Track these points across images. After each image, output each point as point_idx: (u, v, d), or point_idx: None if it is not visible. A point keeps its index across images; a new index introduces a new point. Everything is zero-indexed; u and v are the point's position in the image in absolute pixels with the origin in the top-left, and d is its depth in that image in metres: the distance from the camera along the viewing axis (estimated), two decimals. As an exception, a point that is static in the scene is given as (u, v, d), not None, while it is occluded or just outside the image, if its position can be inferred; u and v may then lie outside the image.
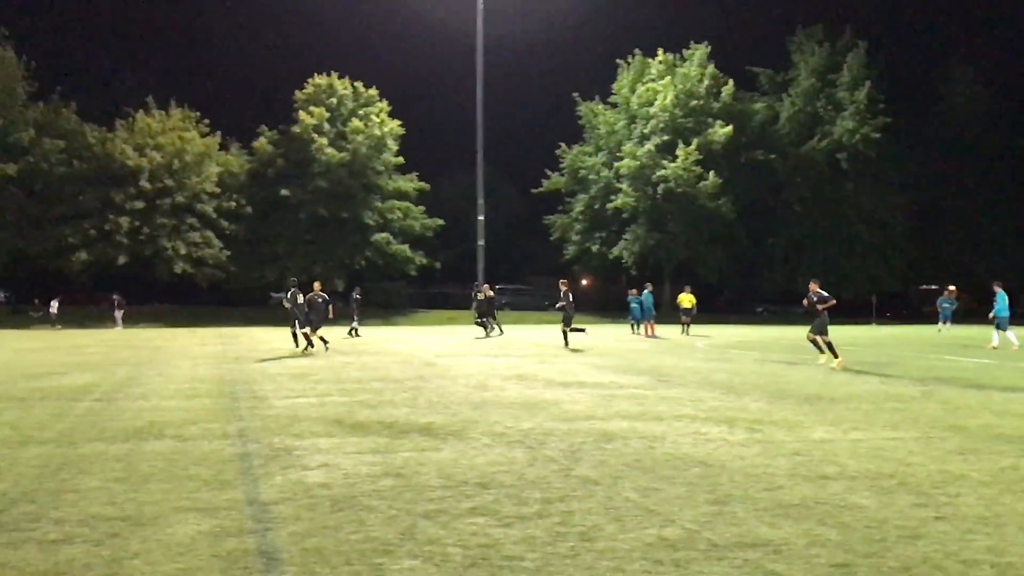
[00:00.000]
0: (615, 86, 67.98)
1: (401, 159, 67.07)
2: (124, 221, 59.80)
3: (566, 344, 29.63)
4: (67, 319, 56.37)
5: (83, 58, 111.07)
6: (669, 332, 39.13)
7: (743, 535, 6.31)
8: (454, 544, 6.09)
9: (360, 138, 63.69)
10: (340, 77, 66.90)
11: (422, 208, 67.83)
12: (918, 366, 22.11)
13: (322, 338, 27.17)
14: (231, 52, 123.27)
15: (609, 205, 64.49)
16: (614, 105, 68.13)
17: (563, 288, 31.58)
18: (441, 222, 67.92)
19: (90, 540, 6.26)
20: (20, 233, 61.54)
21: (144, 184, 60.62)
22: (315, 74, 67.06)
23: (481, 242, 67.64)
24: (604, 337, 37.47)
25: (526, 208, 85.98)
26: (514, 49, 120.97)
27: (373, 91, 67.02)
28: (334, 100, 65.59)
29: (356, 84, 66.97)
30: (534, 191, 71.22)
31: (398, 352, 27.28)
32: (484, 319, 37.47)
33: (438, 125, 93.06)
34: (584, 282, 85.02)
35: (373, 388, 16.20)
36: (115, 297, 55.77)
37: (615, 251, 65.11)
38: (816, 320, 21.29)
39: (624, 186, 63.06)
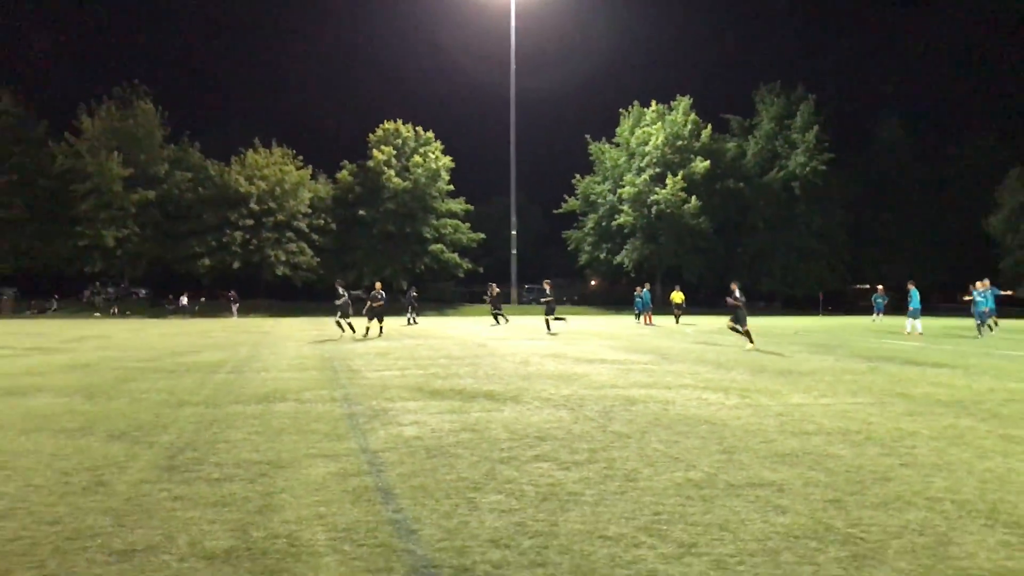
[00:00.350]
0: (618, 130, 67.95)
1: (452, 186, 67.20)
2: (238, 235, 60.19)
3: (548, 330, 29.20)
4: (194, 311, 56.75)
5: (205, 108, 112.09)
6: (663, 322, 39.08)
7: (751, 477, 6.28)
8: (527, 483, 6.09)
9: (420, 170, 63.85)
10: (404, 123, 67.05)
11: (468, 224, 67.94)
12: (862, 347, 21.92)
13: (350, 324, 27.00)
14: (319, 103, 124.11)
15: (613, 223, 64.55)
16: (617, 144, 68.09)
17: (547, 287, 31.47)
18: (483, 236, 67.97)
19: (245, 479, 6.30)
20: (158, 244, 62.01)
21: (253, 206, 60.96)
22: (385, 120, 67.40)
23: (514, 251, 67.70)
24: (613, 325, 37.37)
25: (547, 224, 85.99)
26: (539, 100, 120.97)
27: (430, 134, 67.14)
28: (399, 141, 65.76)
29: (417, 128, 67.08)
30: (555, 211, 71.31)
31: (454, 336, 27.22)
32: (498, 311, 37.34)
33: (480, 159, 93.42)
34: (592, 283, 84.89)
35: (441, 364, 16.17)
36: (231, 293, 56.11)
37: (618, 258, 65.20)
38: (735, 313, 21.36)
39: (625, 208, 63.03)
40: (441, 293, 72.07)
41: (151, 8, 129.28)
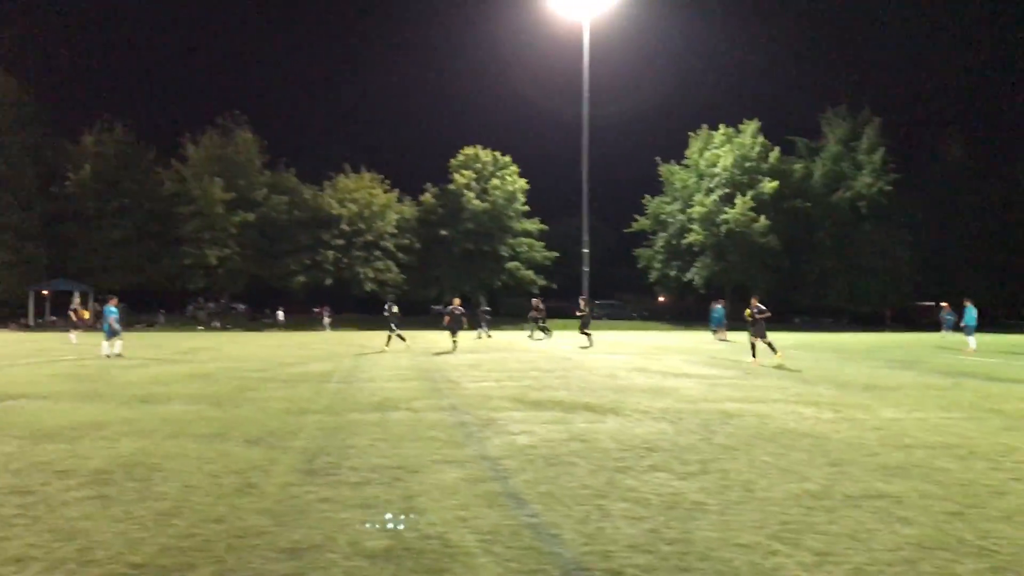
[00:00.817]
0: (687, 152, 67.25)
1: (527, 207, 67.25)
2: (330, 254, 61.08)
3: (590, 342, 28.85)
4: (290, 324, 57.80)
5: (300, 136, 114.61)
6: (735, 337, 38.39)
7: (866, 489, 6.18)
8: (650, 492, 6.08)
9: (498, 193, 64.09)
10: (483, 148, 67.44)
11: (543, 243, 67.84)
12: (939, 363, 21.27)
13: (400, 336, 27.34)
14: (404, 130, 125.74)
15: (683, 241, 63.81)
16: (687, 166, 67.36)
17: (581, 302, 31.26)
18: (556, 254, 67.83)
19: (382, 483, 6.42)
20: (256, 262, 63.26)
21: (344, 227, 61.83)
22: (465, 146, 67.86)
23: (586, 268, 67.19)
24: (688, 340, 36.93)
25: (617, 242, 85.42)
26: (610, 122, 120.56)
27: (507, 158, 67.29)
28: (479, 165, 66.10)
29: (495, 153, 67.41)
30: (625, 230, 70.67)
31: (538, 350, 27.12)
32: (543, 326, 37.20)
33: (553, 180, 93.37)
34: (661, 298, 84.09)
35: (532, 376, 16.14)
36: (325, 308, 57.01)
37: (688, 275, 64.43)
38: (755, 326, 20.90)
39: (695, 227, 62.30)
40: (516, 308, 72.09)
41: (249, 44, 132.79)
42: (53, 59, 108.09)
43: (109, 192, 61.53)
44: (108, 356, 21.78)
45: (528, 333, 39.87)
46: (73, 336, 33.02)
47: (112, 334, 22.36)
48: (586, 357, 22.65)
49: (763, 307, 21.26)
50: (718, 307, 37.28)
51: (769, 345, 20.51)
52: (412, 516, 5.39)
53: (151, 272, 62.78)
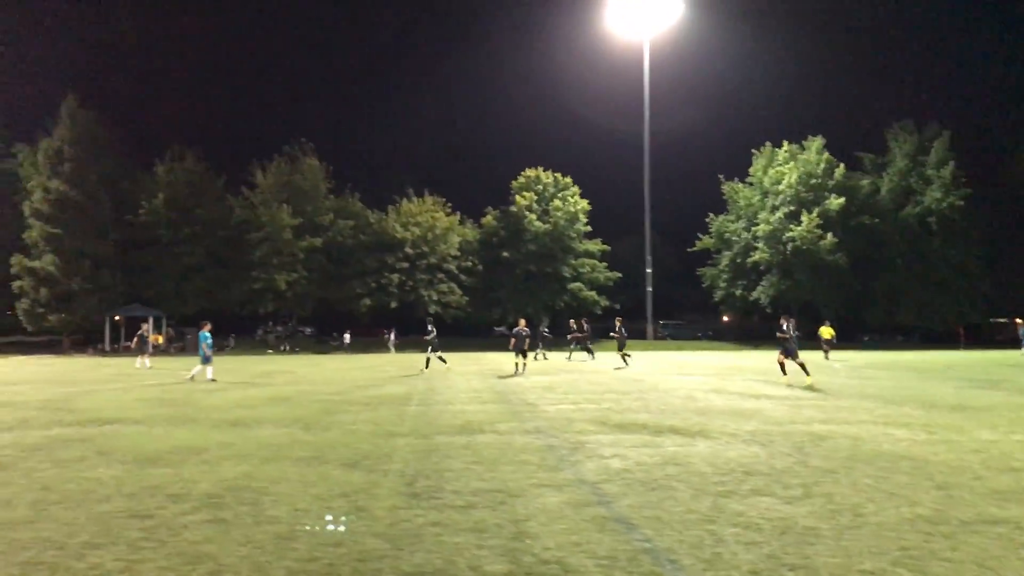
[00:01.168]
0: (751, 169, 66.64)
1: (589, 228, 67.26)
2: (395, 277, 61.83)
3: (625, 364, 29.12)
4: (356, 347, 58.47)
5: (364, 161, 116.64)
6: (808, 356, 37.52)
7: (981, 514, 6.05)
8: (758, 517, 6.04)
9: (559, 214, 64.25)
10: (544, 169, 67.72)
11: (605, 264, 67.72)
12: (1025, 383, 20.63)
13: (441, 357, 27.72)
14: (465, 153, 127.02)
15: (748, 260, 63.16)
16: (750, 183, 66.76)
17: (617, 323, 31.01)
18: (619, 274, 67.63)
19: (487, 506, 6.47)
20: (323, 286, 64.33)
21: (408, 250, 62.60)
22: (526, 168, 68.22)
23: (649, 288, 67.11)
24: (758, 360, 36.33)
25: (680, 262, 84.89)
26: (671, 142, 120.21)
27: (568, 179, 67.48)
28: (540, 187, 66.39)
29: (556, 174, 67.63)
30: (689, 249, 70.22)
31: (606, 372, 26.93)
32: (586, 348, 37.43)
33: (615, 200, 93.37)
34: (725, 318, 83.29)
35: (610, 398, 16.07)
36: (391, 330, 57.60)
37: (754, 294, 63.66)
38: (784, 346, 20.64)
39: (760, 245, 61.63)
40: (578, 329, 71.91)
41: (314, 72, 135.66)
42: (126, 91, 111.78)
43: (181, 220, 63.17)
44: (212, 380, 22.15)
45: (567, 355, 40.05)
46: (138, 361, 33.87)
47: (206, 360, 22.68)
48: (660, 378, 22.46)
49: (786, 326, 20.94)
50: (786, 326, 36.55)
51: (801, 365, 20.10)
52: (526, 541, 5.44)
53: (222, 297, 64.18)
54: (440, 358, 27.97)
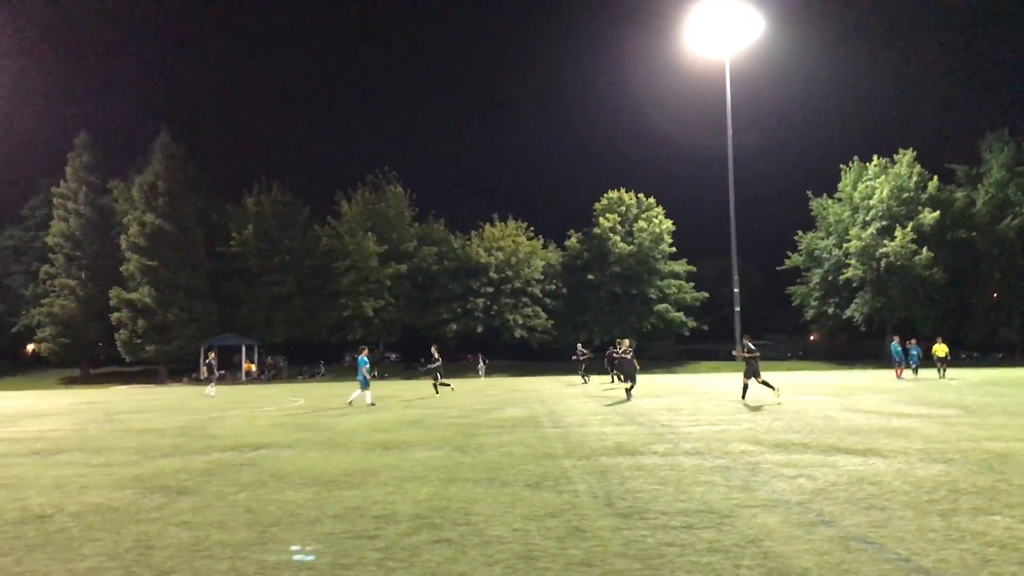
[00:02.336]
0: (840, 185, 65.32)
1: (674, 248, 66.63)
2: (480, 302, 62.19)
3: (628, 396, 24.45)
4: (444, 372, 58.64)
5: (447, 189, 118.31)
6: (923, 374, 36.48)
7: None
8: (1006, 536, 5.76)
9: (644, 235, 63.85)
10: (627, 191, 67.51)
11: (692, 284, 66.98)
12: None
13: (446, 383, 29.00)
14: (546, 177, 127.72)
15: (840, 277, 61.71)
16: (839, 199, 65.43)
17: (626, 344, 30.33)
18: (706, 295, 66.80)
19: (707, 526, 6.33)
20: (409, 312, 65.06)
21: (492, 275, 62.94)
22: (608, 190, 68.09)
23: (737, 308, 66.09)
24: (866, 378, 35.29)
25: (764, 282, 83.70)
26: (755, 160, 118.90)
27: (651, 200, 67.13)
28: (623, 208, 66.17)
29: (639, 195, 67.32)
30: (779, 268, 68.91)
31: (715, 393, 26.41)
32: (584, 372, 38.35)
33: (698, 220, 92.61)
34: (812, 337, 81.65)
35: (746, 419, 15.58)
36: (479, 355, 57.77)
37: (848, 312, 62.10)
38: (748, 367, 20.56)
39: (852, 262, 60.18)
40: (664, 351, 71.26)
41: (394, 100, 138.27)
42: (212, 126, 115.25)
43: (270, 250, 64.73)
44: (372, 404, 22.34)
45: (582, 379, 39.15)
46: (210, 389, 34.62)
47: (365, 384, 22.76)
48: (790, 398, 21.89)
49: (753, 347, 20.90)
50: (895, 344, 35.44)
51: (764, 383, 20.49)
52: (779, 561, 5.27)
53: (310, 325, 65.40)
54: (445, 384, 28.14)
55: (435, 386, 28.23)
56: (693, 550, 5.60)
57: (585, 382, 36.85)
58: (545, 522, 6.59)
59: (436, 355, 28.61)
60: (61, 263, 65.29)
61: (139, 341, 59.95)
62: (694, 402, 21.40)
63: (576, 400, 23.63)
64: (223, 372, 61.85)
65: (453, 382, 36.48)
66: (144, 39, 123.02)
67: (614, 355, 32.54)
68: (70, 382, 63.38)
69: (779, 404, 19.27)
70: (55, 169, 71.53)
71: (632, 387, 23.84)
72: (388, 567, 5.38)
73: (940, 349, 32.90)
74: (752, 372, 20.60)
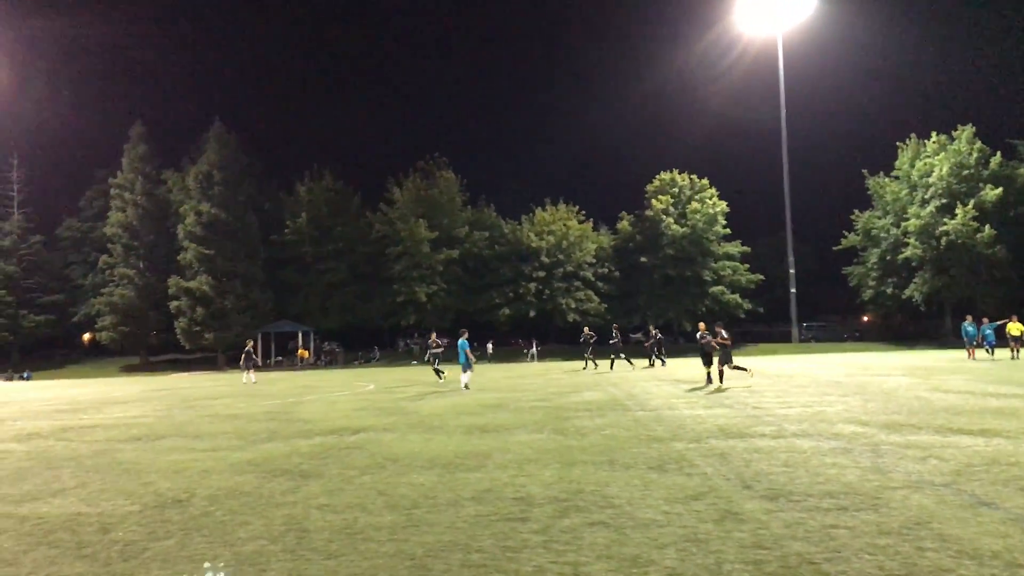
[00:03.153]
0: (896, 163, 63.80)
1: (728, 230, 65.81)
2: (532, 286, 62.11)
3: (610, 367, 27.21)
4: (497, 357, 58.83)
5: (497, 173, 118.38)
6: (961, 354, 35.52)
7: None
8: None
9: (698, 217, 63.20)
10: (680, 172, 66.84)
11: (746, 266, 66.12)
12: None
13: (437, 370, 28.10)
14: (596, 160, 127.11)
15: (899, 256, 60.42)
16: (896, 178, 64.03)
17: (615, 329, 33.54)
18: (761, 277, 65.91)
19: (864, 508, 6.22)
20: (461, 298, 65.23)
21: (543, 259, 62.82)
22: (661, 171, 67.46)
23: (793, 290, 65.40)
24: (936, 358, 34.50)
25: (817, 262, 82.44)
26: (810, 138, 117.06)
27: (704, 181, 66.34)
28: (676, 190, 65.53)
29: (692, 176, 66.63)
30: (835, 248, 67.56)
31: (790, 375, 26.00)
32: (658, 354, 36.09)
33: (750, 200, 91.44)
34: (865, 318, 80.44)
35: (834, 400, 15.21)
36: (534, 340, 57.78)
37: (907, 292, 60.78)
38: (721, 353, 20.70)
39: (912, 240, 58.79)
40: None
41: (444, 85, 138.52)
42: (262, 114, 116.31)
43: (323, 238, 65.26)
44: (466, 387, 22.30)
45: (583, 365, 37.63)
46: (248, 376, 34.99)
47: (468, 366, 22.80)
48: (860, 380, 21.49)
49: (726, 335, 21.04)
50: (967, 324, 34.53)
51: (737, 367, 21.32)
52: (955, 543, 5.14)
53: (363, 311, 65.90)
54: (437, 371, 28.13)
55: (437, 371, 28.20)
56: (863, 532, 5.48)
57: (588, 367, 36.09)
58: (691, 505, 6.51)
59: (439, 341, 29.08)
60: (119, 253, 66.42)
61: (198, 329, 60.87)
62: (772, 384, 21.08)
63: (647, 383, 23.43)
64: (280, 358, 62.78)
65: (519, 367, 36.44)
66: (193, 28, 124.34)
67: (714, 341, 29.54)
68: (130, 370, 64.53)
69: (749, 387, 19.56)
70: (109, 160, 72.95)
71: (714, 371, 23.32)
72: (557, 550, 5.34)
73: (1015, 328, 31.98)
74: (726, 359, 20.78)
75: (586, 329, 38.81)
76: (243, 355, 36.23)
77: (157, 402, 22.66)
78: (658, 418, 13.17)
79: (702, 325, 23.79)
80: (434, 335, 29.84)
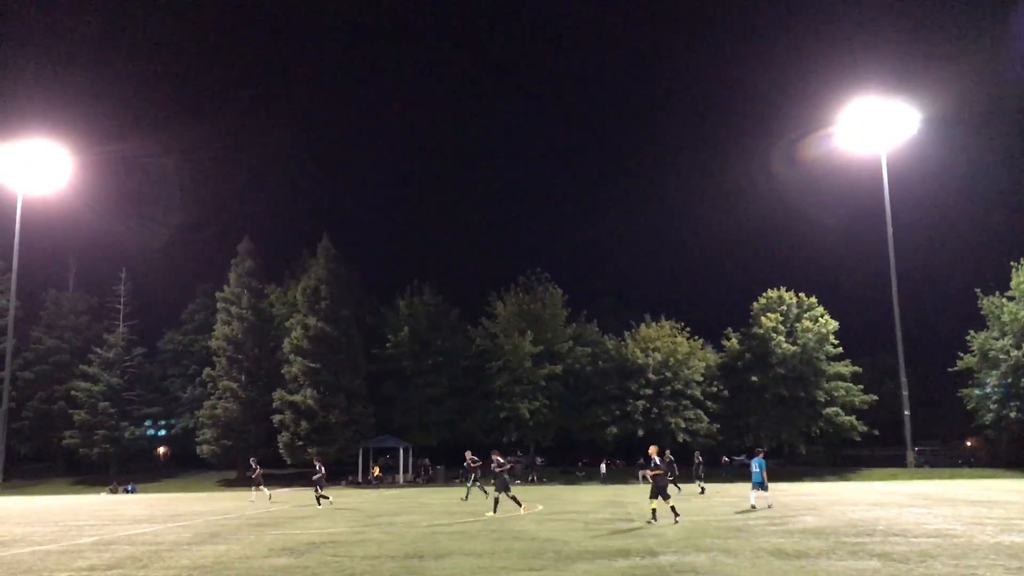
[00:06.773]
0: (1012, 283, 63.64)
1: (840, 349, 65.77)
2: (639, 404, 62.44)
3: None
4: (610, 478, 58.87)
5: (597, 291, 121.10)
6: None
7: None
8: None
9: (808, 335, 63.45)
10: (787, 290, 67.51)
11: (860, 386, 65.64)
12: None
13: (483, 488, 29.67)
14: (699, 277, 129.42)
15: (1022, 381, 59.53)
16: (1012, 298, 63.69)
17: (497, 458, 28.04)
18: (875, 397, 65.35)
19: None
20: (562, 414, 65.83)
21: (650, 376, 63.28)
22: (768, 289, 68.20)
23: (907, 412, 64.57)
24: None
25: (919, 384, 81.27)
26: (917, 255, 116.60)
27: (812, 299, 66.83)
28: (784, 307, 66.05)
29: (800, 294, 67.17)
30: (950, 369, 66.81)
31: (966, 501, 25.90)
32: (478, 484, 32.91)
33: (854, 318, 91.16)
34: (968, 443, 79.16)
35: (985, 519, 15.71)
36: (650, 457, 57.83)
37: (1033, 416, 59.57)
38: (497, 480, 21.74)
39: (1036, 362, 58.19)
40: (816, 457, 69.60)
41: (542, 203, 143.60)
42: (363, 229, 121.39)
43: (423, 352, 66.91)
44: (752, 507, 23.02)
45: (463, 495, 33.12)
46: (256, 495, 36.12)
47: (761, 486, 23.15)
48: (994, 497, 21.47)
49: (502, 459, 22.59)
50: None
51: (513, 499, 22.33)
52: None
53: (462, 427, 66.85)
54: (483, 488, 28.42)
55: (467, 491, 29.79)
56: None
57: (465, 499, 31.73)
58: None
59: (474, 458, 30.49)
60: (223, 365, 68.68)
61: (300, 443, 62.16)
62: (956, 511, 21.19)
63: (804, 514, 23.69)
64: (382, 476, 63.54)
65: (631, 489, 36.56)
66: (292, 140, 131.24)
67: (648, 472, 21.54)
68: (228, 484, 65.86)
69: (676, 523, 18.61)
70: (211, 275, 76.40)
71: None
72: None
73: None
74: (502, 486, 22.12)
75: (468, 454, 33.97)
76: (257, 471, 38.24)
77: (336, 516, 23.59)
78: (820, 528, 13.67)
79: (652, 449, 20.96)
80: (468, 453, 30.91)
